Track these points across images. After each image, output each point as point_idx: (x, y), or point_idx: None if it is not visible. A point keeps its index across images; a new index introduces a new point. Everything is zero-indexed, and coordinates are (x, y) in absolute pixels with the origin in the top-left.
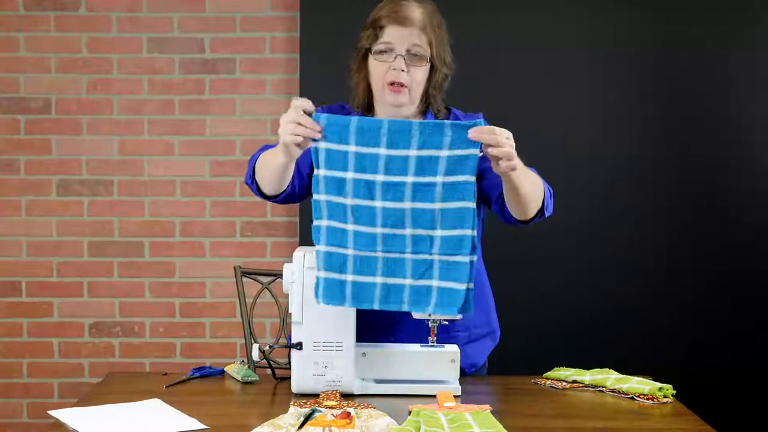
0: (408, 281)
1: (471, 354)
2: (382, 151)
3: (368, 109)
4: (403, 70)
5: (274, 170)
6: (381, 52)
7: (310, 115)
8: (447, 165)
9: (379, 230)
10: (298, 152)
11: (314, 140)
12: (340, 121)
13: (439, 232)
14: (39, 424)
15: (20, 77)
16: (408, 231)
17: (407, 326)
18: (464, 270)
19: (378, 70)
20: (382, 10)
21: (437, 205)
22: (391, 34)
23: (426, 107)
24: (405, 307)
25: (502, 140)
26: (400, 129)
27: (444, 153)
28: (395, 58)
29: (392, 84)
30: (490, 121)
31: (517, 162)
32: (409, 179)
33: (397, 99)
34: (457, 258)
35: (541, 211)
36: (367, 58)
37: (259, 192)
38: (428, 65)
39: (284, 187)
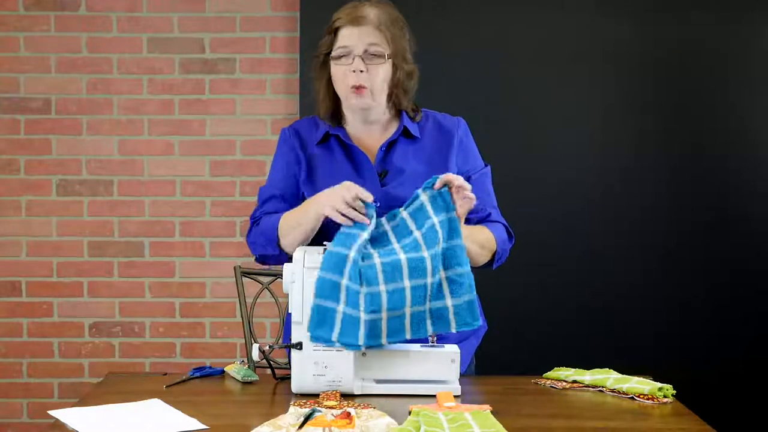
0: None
1: (463, 353)
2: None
3: (334, 115)
4: (362, 71)
5: (306, 232)
6: (339, 57)
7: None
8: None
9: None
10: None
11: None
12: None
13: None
14: (39, 424)
15: (20, 77)
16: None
17: None
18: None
19: (339, 74)
20: (337, 14)
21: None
22: (347, 37)
23: (398, 110)
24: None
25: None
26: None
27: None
28: (353, 60)
29: (354, 87)
30: (490, 119)
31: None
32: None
33: (360, 102)
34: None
35: (491, 263)
36: (327, 64)
37: (284, 254)
38: (388, 63)
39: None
